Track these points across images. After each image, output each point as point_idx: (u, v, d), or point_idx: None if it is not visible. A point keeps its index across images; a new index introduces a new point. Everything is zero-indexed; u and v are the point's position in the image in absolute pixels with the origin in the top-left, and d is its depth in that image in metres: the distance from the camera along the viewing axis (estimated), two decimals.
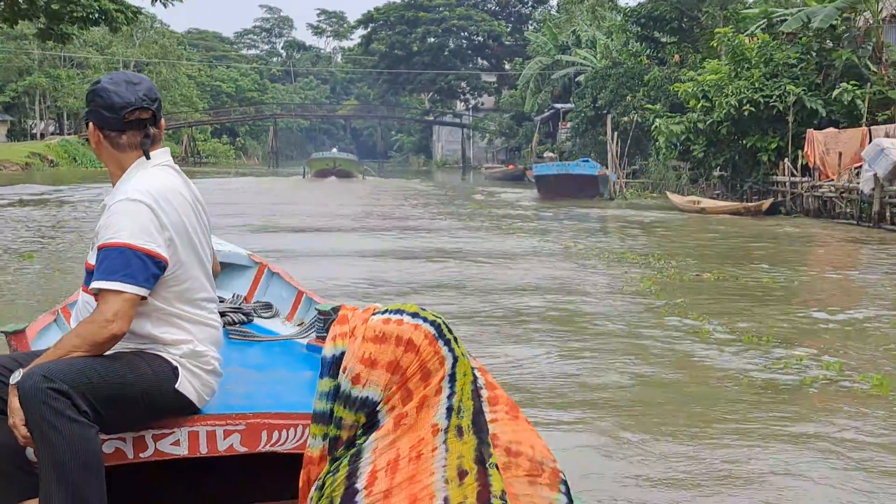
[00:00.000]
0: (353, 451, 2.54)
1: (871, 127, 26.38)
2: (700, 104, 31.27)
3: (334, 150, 65.92)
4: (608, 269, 16.20)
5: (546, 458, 2.65)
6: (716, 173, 32.64)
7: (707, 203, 29.68)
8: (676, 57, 42.53)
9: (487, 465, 2.41)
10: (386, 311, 2.61)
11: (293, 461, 3.01)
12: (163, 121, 3.23)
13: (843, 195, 25.54)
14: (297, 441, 3.02)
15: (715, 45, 33.80)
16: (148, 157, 3.14)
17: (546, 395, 7.82)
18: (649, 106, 37.86)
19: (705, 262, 17.52)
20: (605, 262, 17.23)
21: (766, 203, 27.95)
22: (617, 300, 13.01)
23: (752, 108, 29.23)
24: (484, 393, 2.60)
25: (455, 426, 2.45)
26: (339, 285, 12.96)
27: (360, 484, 2.47)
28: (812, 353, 9.54)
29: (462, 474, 2.38)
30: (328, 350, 2.65)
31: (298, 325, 4.56)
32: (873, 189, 23.20)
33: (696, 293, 13.63)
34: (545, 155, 52.37)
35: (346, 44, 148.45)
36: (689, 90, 32.01)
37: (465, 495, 2.36)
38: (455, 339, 2.55)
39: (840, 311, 12.76)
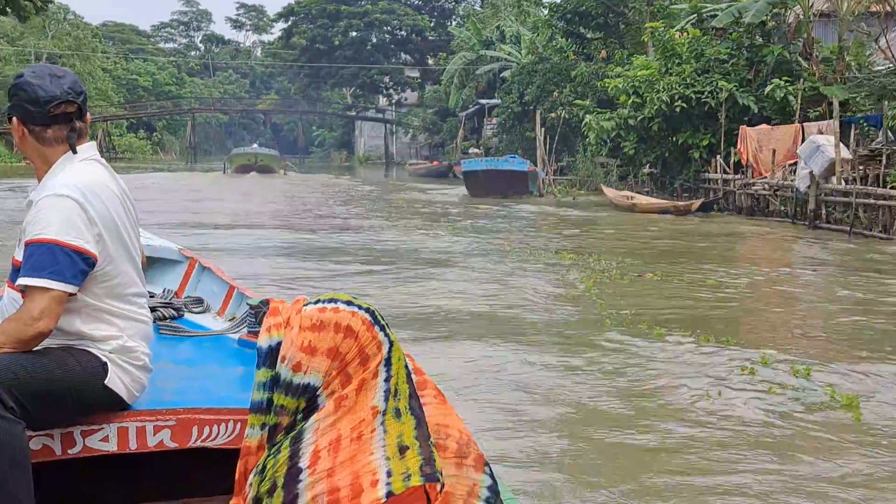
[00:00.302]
0: (293, 433, 2.57)
1: (804, 123, 26.17)
2: (631, 100, 30.87)
3: (255, 145, 65.20)
4: (547, 271, 15.55)
5: (471, 441, 2.73)
6: (645, 170, 32.27)
7: (639, 199, 29.27)
8: (603, 53, 42.25)
9: (429, 443, 2.50)
10: (318, 300, 2.65)
11: (224, 457, 3.04)
12: (88, 115, 3.20)
13: (778, 193, 25.25)
14: (229, 436, 3.02)
15: (645, 39, 33.46)
16: (75, 152, 3.11)
17: (477, 432, 6.99)
18: (579, 101, 37.46)
19: (645, 261, 17.01)
20: (543, 262, 16.60)
21: (696, 203, 27.62)
22: (559, 306, 12.38)
23: (684, 105, 28.94)
24: (413, 378, 2.67)
25: (393, 408, 2.52)
26: (263, 286, 12.15)
27: (303, 463, 2.50)
28: (774, 360, 9.04)
29: (403, 449, 2.46)
30: (264, 341, 2.65)
31: (230, 320, 4.56)
32: (809, 187, 22.89)
33: (641, 296, 13.06)
34: (471, 151, 51.93)
35: (265, 38, 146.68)
36: (620, 86, 31.60)
37: (407, 467, 2.44)
38: (387, 325, 2.61)
39: (793, 311, 12.41)
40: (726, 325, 11.30)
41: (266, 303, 3.49)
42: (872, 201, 21.16)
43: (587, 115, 33.95)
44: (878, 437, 6.95)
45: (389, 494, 2.44)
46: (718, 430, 7.00)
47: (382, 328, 2.62)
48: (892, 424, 7.42)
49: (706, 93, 28.84)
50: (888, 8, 21.61)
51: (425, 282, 14.02)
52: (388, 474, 2.46)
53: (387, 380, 2.57)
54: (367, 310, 2.63)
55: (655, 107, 29.44)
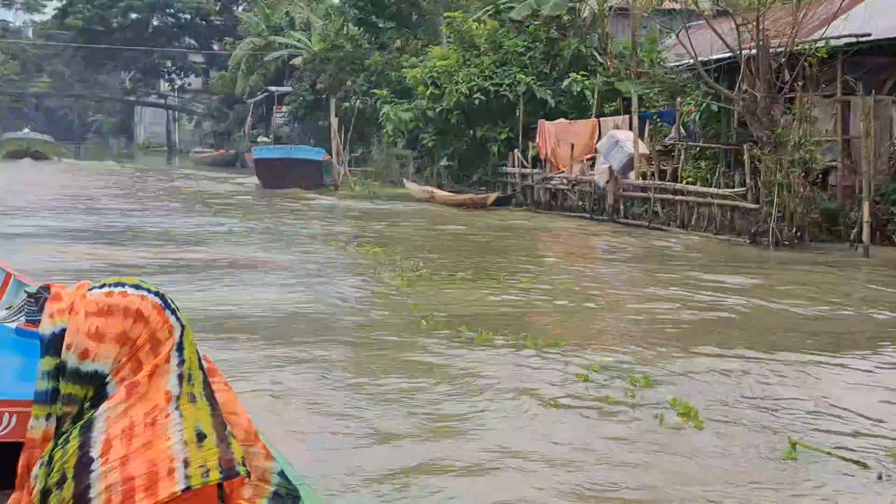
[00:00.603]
0: (82, 422, 2.43)
1: (601, 118, 26.37)
2: (429, 91, 30.39)
3: (26, 130, 62.16)
4: (355, 269, 14.92)
5: (257, 432, 2.73)
6: (443, 163, 31.85)
7: (437, 193, 28.93)
8: (398, 42, 41.73)
9: (226, 433, 2.48)
10: (104, 284, 2.52)
11: (1, 451, 2.96)
12: None
13: (576, 188, 25.30)
14: (5, 429, 2.94)
15: (443, 29, 33.08)
16: None
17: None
18: (376, 91, 36.76)
19: (454, 257, 16.55)
20: (350, 259, 15.92)
21: (492, 196, 27.49)
22: (370, 308, 11.75)
23: (483, 97, 28.69)
24: (204, 364, 2.60)
25: (187, 393, 2.47)
26: (42, 281, 10.84)
27: (94, 453, 2.38)
28: (605, 366, 8.72)
29: (200, 437, 2.41)
30: (47, 328, 2.48)
31: (7, 308, 4.40)
32: (608, 182, 22.99)
33: (456, 296, 12.57)
34: (259, 140, 50.56)
35: (38, 17, 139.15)
36: (418, 76, 31.06)
37: (205, 459, 2.39)
38: (178, 308, 2.53)
39: (613, 309, 12.28)
40: (549, 326, 10.94)
41: (46, 289, 3.15)
42: (670, 196, 21.43)
43: (385, 106, 33.25)
44: (724, 453, 6.74)
45: (188, 488, 2.36)
46: (558, 461, 6.43)
47: (173, 312, 2.52)
48: (732, 431, 7.19)
49: (504, 85, 28.72)
50: (691, 6, 21.92)
51: (223, 281, 13.20)
52: (186, 463, 2.38)
53: (180, 364, 2.50)
54: (157, 293, 2.52)
55: (454, 99, 29.12)
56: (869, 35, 19.03)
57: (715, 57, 21.26)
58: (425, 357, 9.03)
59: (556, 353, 9.15)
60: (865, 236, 16.68)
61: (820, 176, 19.22)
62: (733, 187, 19.98)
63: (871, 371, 9.19)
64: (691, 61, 22.36)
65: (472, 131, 29.98)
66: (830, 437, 7.20)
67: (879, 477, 6.44)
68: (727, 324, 11.34)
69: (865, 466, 6.61)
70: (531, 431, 6.97)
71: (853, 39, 19.07)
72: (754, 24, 19.39)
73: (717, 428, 7.33)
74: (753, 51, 19.50)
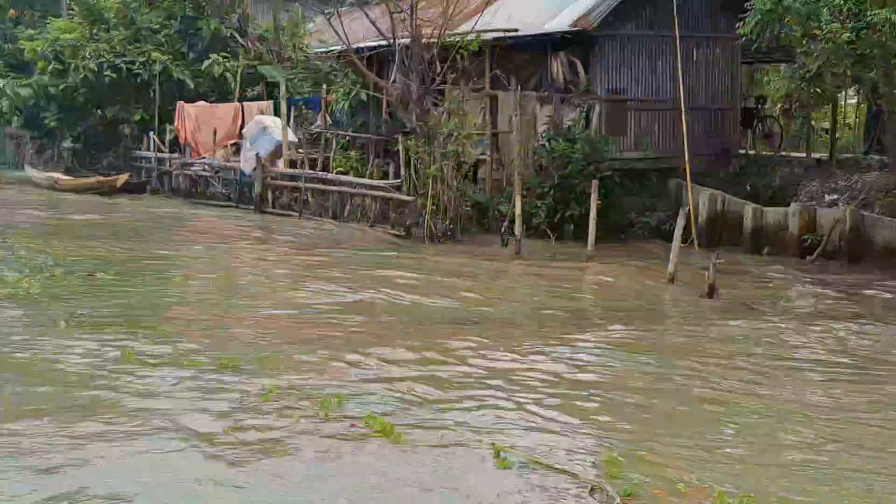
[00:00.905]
0: None
1: (245, 103, 25.20)
2: (51, 66, 27.71)
3: None
4: None
5: None
6: (66, 144, 29.15)
7: (62, 179, 26.48)
8: (12, 12, 38.03)
9: None
10: None
11: None
12: None
13: (219, 174, 23.92)
14: None
15: (70, 2, 30.34)
16: None
17: None
18: None
19: (91, 253, 14.90)
20: None
21: (122, 178, 25.53)
22: None
23: (114, 75, 26.55)
24: None
25: None
26: None
27: None
28: (292, 383, 7.89)
29: None
30: None
31: None
32: (255, 170, 21.84)
33: (97, 302, 11.06)
34: None
35: None
36: (38, 49, 28.24)
37: None
38: None
39: (288, 312, 11.39)
40: (212, 335, 9.78)
41: None
42: (322, 186, 20.69)
43: None
44: (430, 470, 6.16)
45: None
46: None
47: None
48: (434, 442, 6.66)
49: (138, 64, 26.74)
50: None
51: None
52: None
53: None
54: None
55: (81, 75, 26.75)
56: (517, 31, 19.33)
57: (367, 44, 20.78)
58: (51, 388, 7.58)
59: (227, 373, 8.06)
60: (518, 229, 16.78)
61: (471, 169, 19.29)
62: (387, 178, 19.60)
63: (557, 371, 8.94)
64: (338, 48, 21.81)
65: (101, 111, 27.69)
66: (537, 445, 6.73)
67: (592, 490, 6.01)
68: (407, 324, 10.79)
69: (577, 477, 6.17)
70: (189, 484, 5.83)
71: (501, 34, 19.30)
72: (408, 12, 19.11)
73: (417, 441, 6.66)
74: (407, 40, 19.20)
